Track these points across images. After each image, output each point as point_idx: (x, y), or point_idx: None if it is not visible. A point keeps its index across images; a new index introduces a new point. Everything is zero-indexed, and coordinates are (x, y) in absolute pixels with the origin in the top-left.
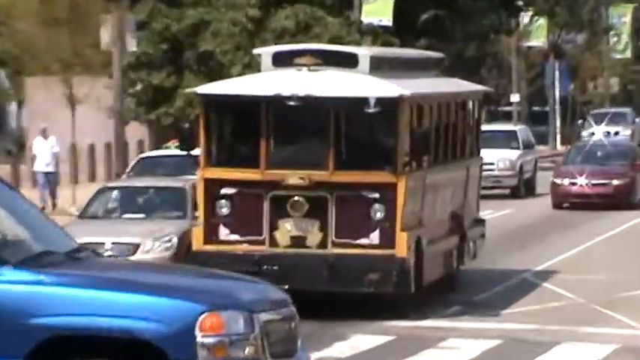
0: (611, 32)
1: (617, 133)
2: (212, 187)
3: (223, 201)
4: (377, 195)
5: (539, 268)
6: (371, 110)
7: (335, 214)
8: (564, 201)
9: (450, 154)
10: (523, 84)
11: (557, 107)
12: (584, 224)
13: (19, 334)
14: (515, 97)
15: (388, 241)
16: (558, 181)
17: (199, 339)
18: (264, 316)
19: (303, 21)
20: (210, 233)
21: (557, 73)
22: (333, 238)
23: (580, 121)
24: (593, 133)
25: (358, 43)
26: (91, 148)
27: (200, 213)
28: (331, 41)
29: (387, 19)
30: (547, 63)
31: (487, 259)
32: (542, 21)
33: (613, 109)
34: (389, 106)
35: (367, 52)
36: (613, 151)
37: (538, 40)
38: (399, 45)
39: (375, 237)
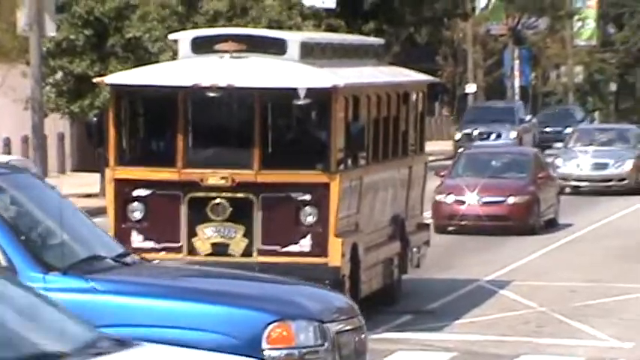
0: (576, 17)
1: (498, 136)
2: (123, 188)
3: (136, 204)
4: (307, 197)
5: (494, 275)
6: (301, 102)
7: (261, 219)
8: (449, 224)
9: (391, 151)
10: (480, 73)
11: (517, 98)
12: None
13: None
14: (471, 88)
15: (320, 248)
16: (441, 198)
17: (266, 352)
18: (335, 327)
19: (239, 3)
20: (121, 240)
21: (516, 61)
22: (259, 245)
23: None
24: (468, 135)
25: (300, 28)
26: (6, 143)
27: (110, 217)
28: (270, 26)
29: (330, 1)
30: (506, 50)
31: (434, 268)
32: (500, 4)
33: (495, 103)
34: (321, 97)
35: (297, 37)
36: (510, 160)
37: (497, 25)
38: (344, 29)
39: (305, 244)
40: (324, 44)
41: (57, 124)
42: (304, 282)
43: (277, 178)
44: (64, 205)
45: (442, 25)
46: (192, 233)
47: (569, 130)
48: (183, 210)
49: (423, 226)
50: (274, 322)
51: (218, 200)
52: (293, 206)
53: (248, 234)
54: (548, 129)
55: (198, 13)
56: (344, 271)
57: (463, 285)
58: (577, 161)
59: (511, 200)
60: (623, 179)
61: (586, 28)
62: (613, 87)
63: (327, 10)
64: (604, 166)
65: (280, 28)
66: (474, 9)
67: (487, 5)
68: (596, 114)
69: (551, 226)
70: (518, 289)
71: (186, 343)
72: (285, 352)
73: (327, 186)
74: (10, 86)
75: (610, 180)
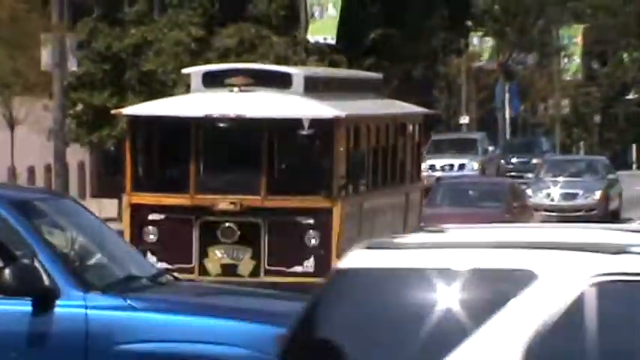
0: (562, 53)
1: (461, 167)
2: (139, 213)
3: (151, 227)
4: (311, 221)
5: None
6: (305, 132)
7: (268, 241)
8: None
9: (389, 178)
10: (473, 106)
11: (508, 129)
12: None
13: None
14: (464, 119)
15: (323, 269)
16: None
17: None
18: None
19: (248, 40)
20: None
21: (507, 94)
22: (266, 265)
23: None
24: (432, 166)
25: (304, 63)
26: (31, 170)
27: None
28: (277, 61)
29: (330, 37)
30: (497, 84)
31: None
32: (492, 42)
33: (457, 135)
34: (324, 127)
35: (301, 71)
36: (486, 190)
37: (488, 61)
38: (346, 64)
39: (309, 265)
40: (327, 78)
41: (77, 153)
42: None
43: (283, 203)
44: (101, 228)
45: (437, 60)
46: (203, 255)
47: (535, 160)
48: (195, 233)
49: None
50: None
51: (228, 224)
52: (298, 230)
53: (256, 255)
54: (514, 159)
55: (209, 50)
56: None
57: None
58: (547, 191)
59: None
60: (592, 209)
61: (572, 63)
62: (597, 119)
63: (330, 47)
64: (574, 196)
65: (286, 63)
66: (467, 45)
67: (480, 42)
68: (581, 144)
69: None
70: None
71: (218, 358)
72: None
73: (329, 211)
74: (34, 119)
75: (580, 210)
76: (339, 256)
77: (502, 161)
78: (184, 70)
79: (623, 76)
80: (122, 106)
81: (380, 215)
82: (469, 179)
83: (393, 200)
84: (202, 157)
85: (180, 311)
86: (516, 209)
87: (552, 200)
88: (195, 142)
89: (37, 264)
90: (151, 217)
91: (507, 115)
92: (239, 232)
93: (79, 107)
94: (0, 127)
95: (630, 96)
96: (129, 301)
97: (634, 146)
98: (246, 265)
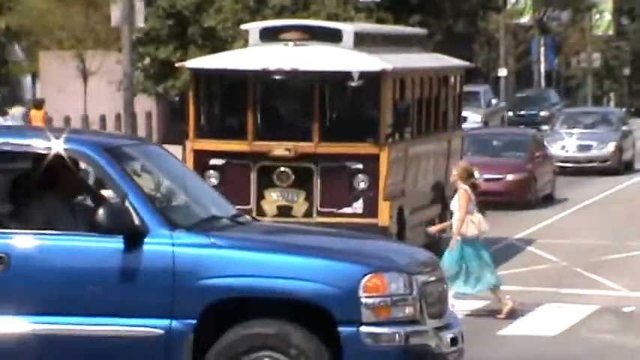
0: (594, 10)
1: (464, 119)
2: (201, 158)
3: (212, 171)
4: (360, 166)
5: (521, 234)
6: (354, 84)
7: (320, 185)
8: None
9: (432, 126)
10: (511, 59)
11: (543, 81)
12: (569, 190)
13: (193, 295)
14: (502, 72)
15: (371, 210)
16: None
17: (363, 299)
18: (421, 278)
19: None
20: None
21: (542, 48)
22: (318, 207)
23: None
24: None
25: (353, 20)
26: (102, 119)
27: None
28: (328, 18)
29: None
30: (533, 39)
31: None
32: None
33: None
34: (371, 79)
35: (351, 27)
36: (509, 140)
37: (525, 17)
38: (392, 21)
39: (358, 206)
40: (375, 34)
41: (145, 103)
42: (393, 240)
43: (334, 149)
44: (185, 172)
45: (477, 17)
46: (260, 197)
47: (543, 113)
48: (253, 177)
49: None
50: (370, 273)
51: (283, 169)
52: (347, 174)
53: (309, 198)
54: (522, 112)
55: (266, 7)
56: (392, 230)
57: (495, 242)
58: (562, 143)
59: (510, 177)
60: (606, 160)
61: (603, 19)
62: (626, 71)
63: (378, 4)
64: (588, 147)
65: (337, 19)
66: (505, 3)
67: (517, 1)
68: (612, 95)
69: (549, 201)
70: (542, 246)
71: (293, 291)
72: (378, 299)
73: (377, 156)
74: (106, 71)
75: (594, 161)
76: (385, 199)
77: (510, 113)
78: (243, 26)
79: None
80: (185, 60)
81: (423, 160)
82: (493, 130)
83: (436, 147)
84: (259, 107)
85: (258, 248)
86: (538, 159)
87: (567, 152)
88: (253, 92)
89: (127, 205)
90: (212, 162)
91: (543, 69)
92: (293, 176)
93: (146, 60)
94: (74, 77)
95: None
96: (212, 239)
97: None
98: (300, 207)
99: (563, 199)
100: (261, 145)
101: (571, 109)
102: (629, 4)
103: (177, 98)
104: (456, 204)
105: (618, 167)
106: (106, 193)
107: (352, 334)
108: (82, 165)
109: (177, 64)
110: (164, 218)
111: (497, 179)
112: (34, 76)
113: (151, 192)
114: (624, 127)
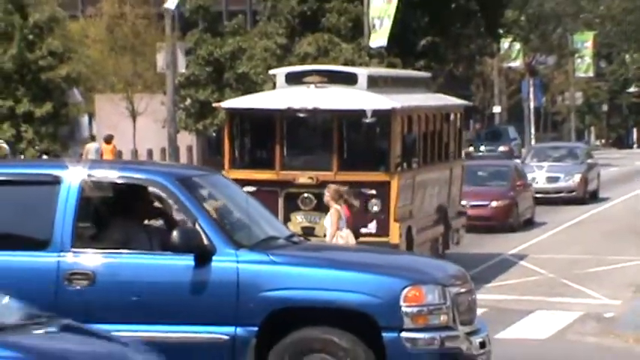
0: (576, 55)
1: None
2: None
3: None
4: (374, 191)
5: (514, 250)
6: (368, 120)
7: None
8: None
9: (436, 156)
10: (504, 98)
11: (532, 117)
12: (546, 216)
13: (255, 305)
14: (497, 109)
15: (383, 230)
16: None
17: (404, 308)
18: (453, 289)
19: (323, 47)
20: None
21: (531, 88)
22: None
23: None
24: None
25: (367, 64)
26: (149, 153)
27: None
28: (345, 63)
29: (383, 41)
30: (524, 80)
31: (470, 245)
32: (519, 46)
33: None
34: (383, 116)
35: (365, 71)
36: (493, 171)
37: (516, 61)
38: (400, 66)
39: (372, 227)
40: (386, 77)
41: (186, 139)
42: (428, 256)
43: (351, 177)
44: (245, 198)
45: (474, 62)
46: (287, 219)
47: (502, 148)
48: (280, 202)
49: (461, 213)
50: (409, 285)
51: (306, 194)
52: (363, 198)
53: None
54: (482, 147)
55: (292, 55)
56: (401, 247)
57: (492, 257)
58: (533, 175)
59: (494, 204)
60: (572, 191)
61: (584, 63)
62: (605, 108)
63: (388, 51)
64: (556, 179)
65: (352, 64)
66: (499, 49)
67: (509, 46)
68: (592, 128)
69: (529, 224)
70: (533, 260)
71: (343, 302)
72: (417, 308)
73: (388, 183)
74: (152, 111)
75: (561, 192)
76: (395, 220)
77: (471, 148)
78: (271, 71)
79: (625, 73)
80: (221, 101)
81: (429, 186)
82: (479, 162)
83: (439, 174)
84: (285, 141)
85: (312, 265)
86: (519, 187)
87: (537, 183)
88: (280, 128)
89: (197, 227)
90: (245, 189)
91: (532, 106)
92: (315, 201)
93: (188, 101)
94: (125, 117)
95: (631, 89)
96: (271, 257)
97: (635, 130)
98: (321, 228)
99: (542, 222)
100: (287, 174)
101: (540, 144)
102: (607, 49)
103: (214, 134)
104: (329, 221)
105: (584, 197)
106: (177, 216)
107: (394, 338)
108: (158, 192)
109: (214, 105)
110: (229, 239)
111: (483, 205)
112: (91, 117)
113: (218, 216)
114: (589, 161)
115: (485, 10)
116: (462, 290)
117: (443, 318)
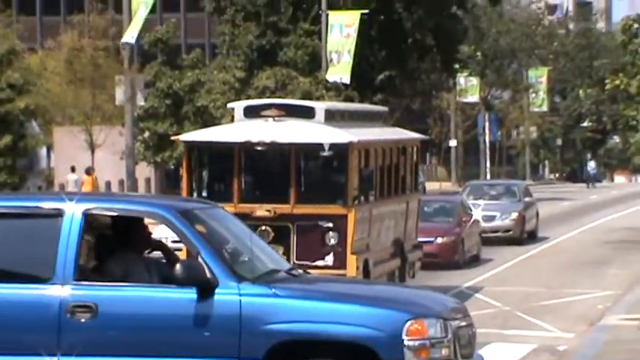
0: (531, 90)
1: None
2: None
3: None
4: (331, 224)
5: (470, 283)
6: (325, 154)
7: (296, 241)
8: None
9: (393, 190)
10: (460, 132)
11: (488, 151)
12: (492, 253)
13: (258, 338)
14: (453, 143)
15: (340, 262)
16: None
17: (406, 342)
18: (454, 323)
19: (281, 80)
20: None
21: (487, 123)
22: (295, 260)
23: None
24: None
25: (324, 97)
26: (108, 184)
27: None
28: (303, 96)
29: (345, 78)
30: (479, 115)
31: (425, 277)
32: (475, 81)
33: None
34: (341, 150)
35: (322, 105)
36: (439, 207)
37: (472, 96)
38: (358, 99)
39: (329, 259)
40: (343, 110)
41: (144, 171)
42: (427, 290)
43: (308, 210)
44: (246, 231)
45: (431, 96)
46: None
47: None
48: None
49: (417, 247)
50: (412, 319)
51: (264, 227)
52: (320, 231)
53: (286, 252)
54: None
55: (250, 88)
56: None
57: (448, 290)
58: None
59: (440, 240)
60: (509, 230)
61: (538, 98)
62: (559, 142)
63: (345, 85)
64: (492, 218)
65: (310, 98)
66: (455, 84)
67: (465, 81)
68: (546, 162)
69: (475, 261)
70: (488, 293)
71: (345, 335)
72: (419, 342)
73: (345, 216)
74: (110, 143)
75: (497, 230)
76: (352, 253)
77: None
78: (229, 105)
79: (579, 108)
80: (180, 133)
81: (385, 219)
82: (425, 197)
83: (396, 207)
84: (243, 174)
85: (314, 298)
86: (465, 223)
87: None
88: (238, 161)
89: (200, 260)
90: None
91: (487, 140)
92: (273, 234)
93: (146, 134)
94: (83, 149)
95: (585, 124)
96: (273, 290)
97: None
98: None
99: (488, 259)
100: (245, 207)
101: (477, 182)
102: (561, 84)
103: (172, 166)
104: None
105: (520, 237)
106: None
107: None
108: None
109: (172, 137)
110: (232, 272)
111: (429, 242)
112: (49, 149)
113: (220, 249)
114: (527, 199)
115: (440, 46)
116: (463, 324)
117: (444, 351)
